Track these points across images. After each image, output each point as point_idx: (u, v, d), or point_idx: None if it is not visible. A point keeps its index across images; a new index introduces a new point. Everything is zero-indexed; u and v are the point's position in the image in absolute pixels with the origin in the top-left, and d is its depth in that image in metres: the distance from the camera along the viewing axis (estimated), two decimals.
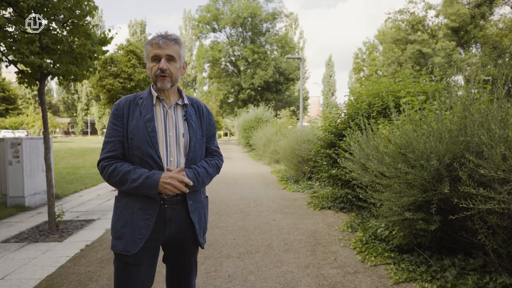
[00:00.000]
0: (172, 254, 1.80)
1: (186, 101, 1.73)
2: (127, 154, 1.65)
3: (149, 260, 1.68)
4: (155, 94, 1.68)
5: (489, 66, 25.53)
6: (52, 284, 3.09)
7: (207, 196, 1.89)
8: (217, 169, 1.84)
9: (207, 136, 1.82)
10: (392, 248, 3.57)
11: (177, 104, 1.72)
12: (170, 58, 1.63)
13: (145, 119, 1.62)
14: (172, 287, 1.88)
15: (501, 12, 55.39)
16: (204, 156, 1.82)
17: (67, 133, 66.42)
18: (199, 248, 1.82)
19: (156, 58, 1.62)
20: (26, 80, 4.45)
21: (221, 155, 1.92)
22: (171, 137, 1.65)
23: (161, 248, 1.80)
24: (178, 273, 1.83)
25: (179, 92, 1.77)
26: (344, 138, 4.84)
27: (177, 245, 1.75)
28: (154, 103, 1.67)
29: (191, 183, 1.60)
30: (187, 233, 1.73)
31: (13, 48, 4.07)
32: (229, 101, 39.20)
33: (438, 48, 29.44)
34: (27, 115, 44.23)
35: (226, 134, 69.75)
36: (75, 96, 65.65)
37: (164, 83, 1.64)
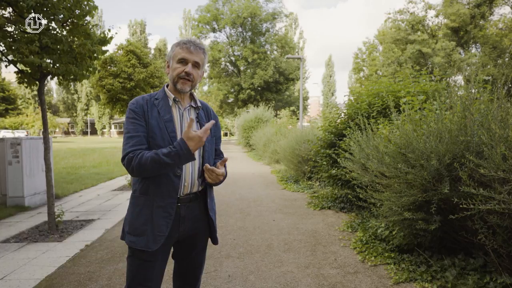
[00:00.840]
0: (182, 250, 1.86)
1: (198, 104, 1.82)
2: None
3: (163, 257, 1.75)
4: (171, 96, 1.75)
5: (489, 66, 25.52)
6: (51, 284, 3.08)
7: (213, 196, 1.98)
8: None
9: (215, 137, 1.91)
10: (392, 248, 3.57)
11: (191, 106, 1.80)
12: (196, 65, 1.73)
13: (164, 119, 1.69)
14: (179, 282, 1.93)
15: (501, 12, 55.35)
16: (214, 156, 1.91)
17: (67, 133, 66.42)
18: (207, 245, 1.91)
19: (183, 61, 1.71)
20: (25, 80, 4.45)
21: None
22: None
23: None
24: (187, 268, 1.90)
25: (191, 95, 1.85)
26: (344, 138, 4.83)
27: (189, 241, 1.82)
28: (170, 104, 1.74)
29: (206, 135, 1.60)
30: (200, 230, 1.82)
31: (13, 47, 4.06)
32: (229, 101, 39.20)
33: (438, 48, 29.43)
34: (27, 115, 44.24)
35: (226, 134, 69.71)
36: (75, 96, 65.59)
37: (184, 86, 1.72)
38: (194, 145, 1.56)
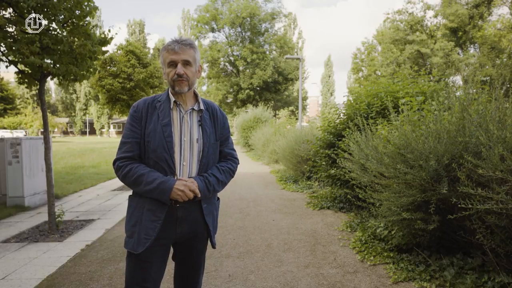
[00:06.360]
0: (182, 252, 1.85)
1: (201, 106, 1.77)
2: (143, 156, 1.70)
3: (161, 258, 1.74)
4: (172, 98, 1.72)
5: (487, 67, 25.60)
6: (53, 284, 3.10)
7: (219, 198, 1.95)
8: (231, 173, 1.86)
9: (221, 140, 1.86)
10: (391, 247, 3.60)
11: (193, 109, 1.76)
12: (186, 63, 1.68)
13: (162, 123, 1.67)
14: (179, 284, 1.94)
15: (499, 12, 55.45)
16: (218, 160, 1.86)
17: (65, 133, 66.31)
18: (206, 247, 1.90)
19: (173, 64, 1.68)
20: (26, 80, 4.46)
21: (235, 158, 1.93)
22: (186, 142, 1.70)
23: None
24: (187, 271, 1.90)
25: (195, 96, 1.81)
26: (343, 139, 4.86)
27: (188, 243, 1.81)
28: (171, 107, 1.72)
29: (199, 195, 1.66)
30: (199, 232, 1.79)
31: (13, 48, 4.07)
32: (228, 101, 39.15)
33: (436, 49, 29.50)
34: (26, 115, 44.12)
35: None
36: (74, 96, 65.52)
37: (181, 87, 1.68)
38: (177, 195, 1.60)
